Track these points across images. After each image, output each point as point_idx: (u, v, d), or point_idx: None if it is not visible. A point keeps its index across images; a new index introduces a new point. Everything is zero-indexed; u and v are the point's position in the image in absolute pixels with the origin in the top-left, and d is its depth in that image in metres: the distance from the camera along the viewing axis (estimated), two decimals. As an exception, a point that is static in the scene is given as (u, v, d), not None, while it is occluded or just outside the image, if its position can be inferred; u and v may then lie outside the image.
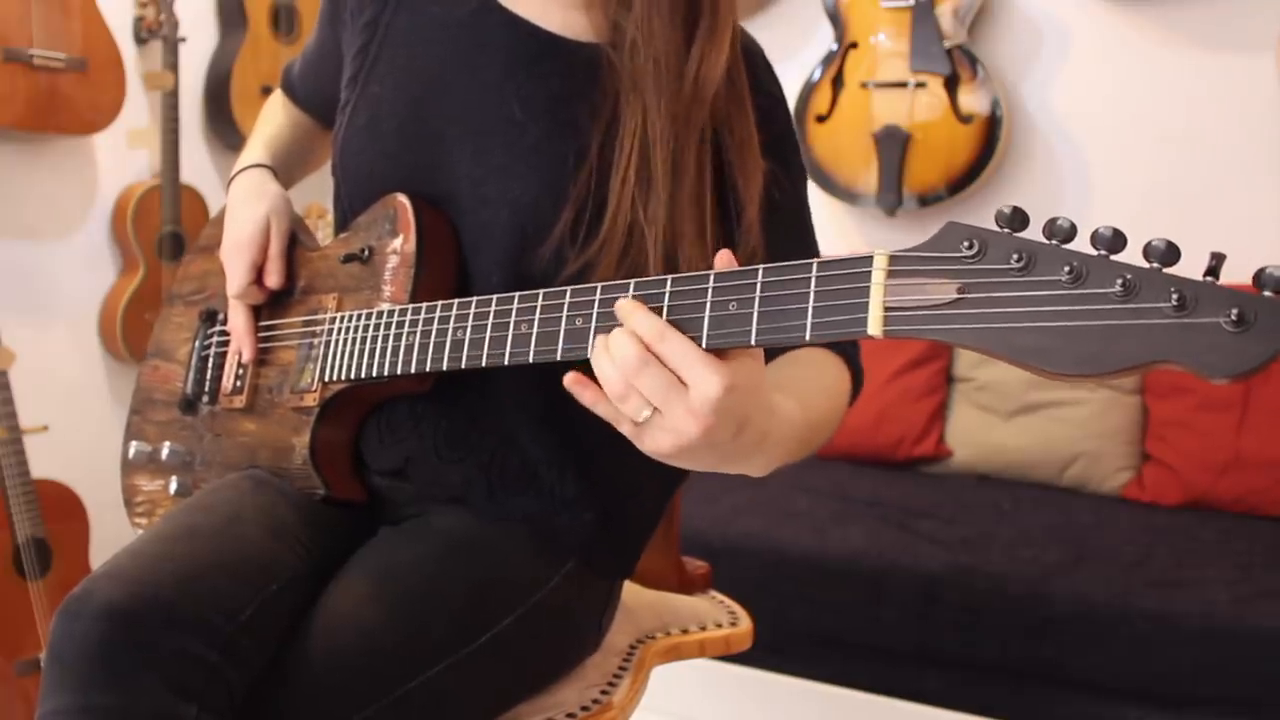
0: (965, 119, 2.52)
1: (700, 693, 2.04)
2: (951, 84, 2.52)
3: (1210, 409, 2.23)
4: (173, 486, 1.11)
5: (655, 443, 0.71)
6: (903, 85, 2.55)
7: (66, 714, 0.74)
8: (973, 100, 2.51)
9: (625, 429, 0.73)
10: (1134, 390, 2.36)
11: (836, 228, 2.82)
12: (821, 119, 2.65)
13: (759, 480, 2.32)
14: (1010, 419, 2.44)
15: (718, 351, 0.69)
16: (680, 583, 1.28)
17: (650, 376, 0.69)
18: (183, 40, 2.48)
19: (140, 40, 2.51)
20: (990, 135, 2.51)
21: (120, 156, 2.50)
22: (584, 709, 0.99)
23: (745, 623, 1.23)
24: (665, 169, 0.90)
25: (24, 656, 2.02)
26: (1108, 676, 1.76)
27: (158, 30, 2.46)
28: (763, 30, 2.89)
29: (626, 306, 0.71)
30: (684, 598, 1.26)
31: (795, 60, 2.76)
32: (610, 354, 0.70)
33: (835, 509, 2.15)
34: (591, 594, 1.03)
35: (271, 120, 1.22)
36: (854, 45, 2.61)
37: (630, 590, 1.22)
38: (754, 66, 1.00)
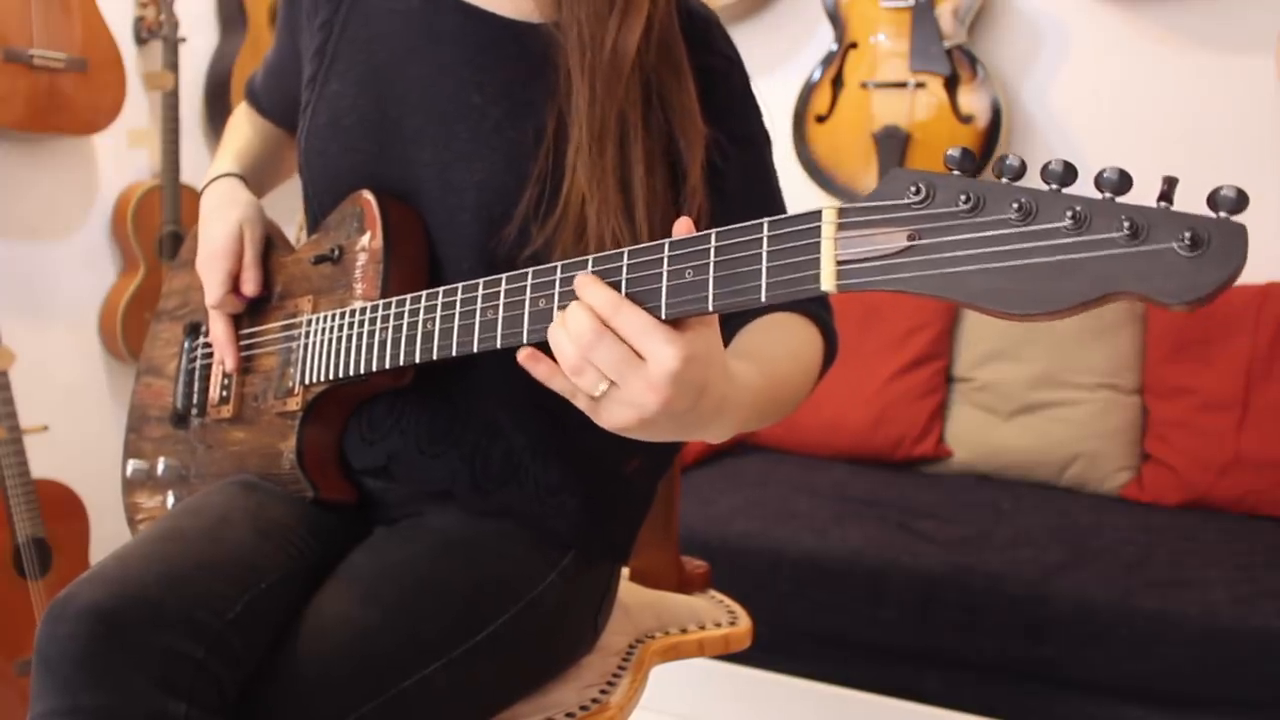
0: (965, 119, 2.52)
1: (699, 692, 2.04)
2: (951, 84, 2.52)
3: (1210, 409, 2.23)
4: (169, 501, 1.12)
5: (613, 416, 0.70)
6: (902, 85, 2.55)
7: (56, 716, 0.74)
8: (972, 100, 2.51)
9: (581, 403, 0.72)
10: (1134, 390, 2.36)
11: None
12: (821, 119, 2.65)
13: (759, 480, 2.33)
14: (1010, 419, 2.44)
15: (674, 321, 0.69)
16: (679, 582, 1.28)
17: (605, 350, 0.68)
18: (183, 40, 2.48)
19: (140, 40, 2.51)
20: (990, 135, 2.51)
21: (120, 156, 2.51)
22: (583, 709, 0.99)
23: (744, 622, 1.23)
24: (599, 142, 0.91)
25: (24, 657, 2.02)
26: (1108, 676, 1.76)
27: (158, 30, 2.46)
28: (763, 30, 2.90)
29: (584, 281, 0.71)
30: (683, 597, 1.26)
31: (795, 60, 2.76)
32: (566, 328, 0.70)
33: (835, 509, 2.15)
34: (587, 591, 1.03)
35: (238, 133, 1.22)
36: (854, 45, 2.61)
37: (629, 590, 1.22)
38: (707, 31, 1.01)
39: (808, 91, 2.66)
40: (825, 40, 2.68)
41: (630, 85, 0.92)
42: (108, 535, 2.13)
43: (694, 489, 2.22)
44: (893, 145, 2.55)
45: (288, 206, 1.26)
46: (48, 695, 0.75)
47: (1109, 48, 2.55)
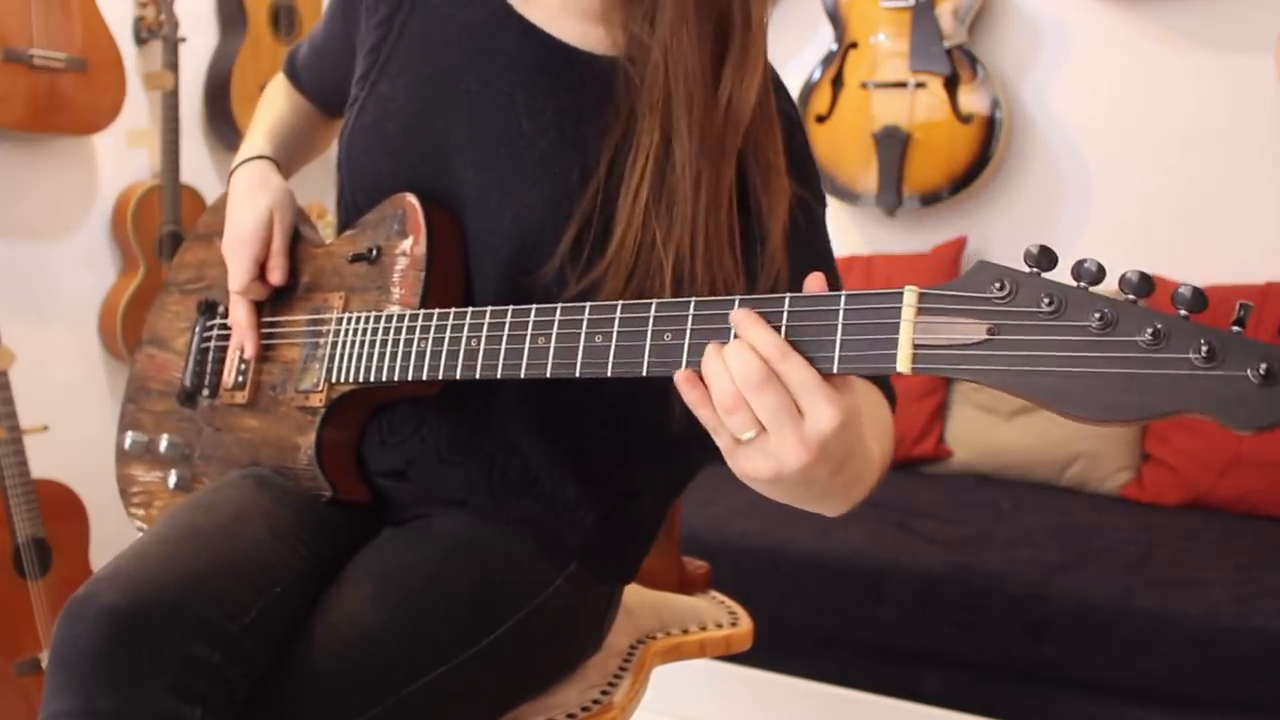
0: (965, 119, 2.52)
1: (700, 693, 2.04)
2: (951, 84, 2.52)
3: (1210, 409, 2.23)
4: (171, 479, 1.11)
5: (751, 465, 0.67)
6: (903, 85, 2.55)
7: (70, 717, 0.74)
8: (973, 100, 2.51)
9: (722, 442, 0.69)
10: (1134, 390, 2.36)
11: (837, 227, 2.82)
12: (821, 119, 2.65)
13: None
14: (1010, 419, 2.44)
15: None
16: (680, 583, 1.28)
17: (769, 396, 0.64)
18: (183, 40, 2.48)
19: (140, 40, 2.51)
20: (990, 135, 2.51)
21: (120, 156, 2.50)
22: (584, 709, 0.99)
23: (745, 623, 1.23)
24: (691, 193, 0.87)
25: (23, 656, 2.02)
26: (1108, 676, 1.76)
27: (158, 30, 2.45)
28: (763, 30, 2.89)
29: (746, 319, 0.67)
30: (684, 598, 1.26)
31: (795, 60, 2.76)
32: (727, 365, 0.66)
33: (835, 509, 2.15)
34: (593, 596, 1.03)
35: (273, 106, 1.20)
36: (854, 45, 2.61)
37: (631, 590, 1.22)
38: (775, 88, 0.97)
39: (808, 91, 2.66)
40: (825, 40, 2.68)
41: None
42: (108, 535, 2.13)
43: (694, 489, 2.21)
44: (893, 145, 2.55)
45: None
46: (62, 695, 0.75)
47: (1109, 48, 2.55)
